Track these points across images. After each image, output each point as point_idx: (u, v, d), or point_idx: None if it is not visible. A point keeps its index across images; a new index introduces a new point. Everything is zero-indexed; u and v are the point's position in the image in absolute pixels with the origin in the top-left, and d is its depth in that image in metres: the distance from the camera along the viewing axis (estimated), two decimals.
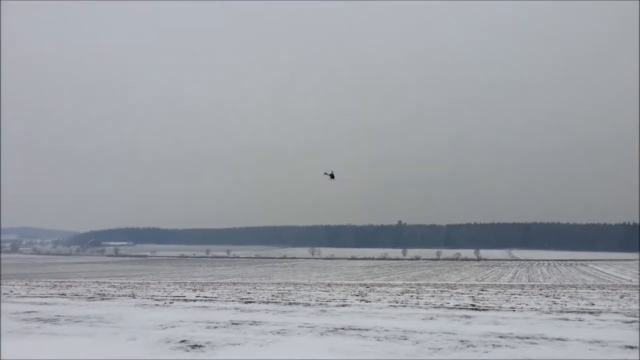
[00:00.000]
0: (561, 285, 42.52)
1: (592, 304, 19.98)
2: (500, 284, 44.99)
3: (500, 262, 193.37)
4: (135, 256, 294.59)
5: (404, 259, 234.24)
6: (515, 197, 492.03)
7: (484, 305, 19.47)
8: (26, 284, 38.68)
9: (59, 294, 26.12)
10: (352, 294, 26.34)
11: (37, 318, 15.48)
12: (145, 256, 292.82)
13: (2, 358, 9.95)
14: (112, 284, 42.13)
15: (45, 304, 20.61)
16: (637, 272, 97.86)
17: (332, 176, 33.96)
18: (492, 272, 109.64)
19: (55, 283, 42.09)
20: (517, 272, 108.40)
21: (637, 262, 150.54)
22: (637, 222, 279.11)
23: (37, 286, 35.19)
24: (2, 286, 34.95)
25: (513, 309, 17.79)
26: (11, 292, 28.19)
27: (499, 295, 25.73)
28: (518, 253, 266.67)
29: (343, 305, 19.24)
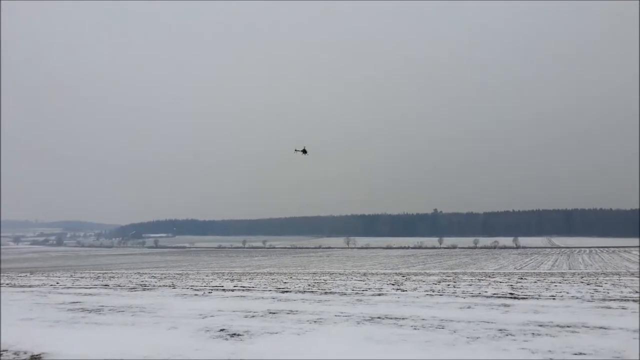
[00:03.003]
0: (603, 273, 41.45)
1: (636, 292, 19.40)
2: (540, 272, 44.14)
3: (539, 249, 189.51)
4: (175, 247, 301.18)
5: (440, 248, 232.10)
6: (555, 183, 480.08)
7: (523, 293, 19.16)
8: (71, 276, 40.05)
9: (103, 285, 26.95)
10: (388, 283, 26.31)
11: (82, 308, 16.03)
12: (184, 247, 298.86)
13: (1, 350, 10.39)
14: (153, 274, 43.21)
15: (90, 294, 21.32)
16: None
17: (304, 151, 33.71)
18: (531, 260, 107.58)
19: (99, 274, 43.44)
20: (557, 259, 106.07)
21: None
22: None
23: (82, 278, 36.40)
24: (19, 278, 36.28)
25: (553, 297, 17.45)
26: (57, 283, 29.23)
27: (539, 283, 25.27)
28: (558, 240, 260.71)
29: (379, 295, 19.24)
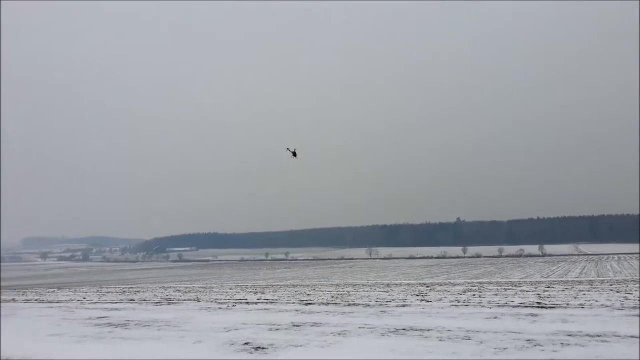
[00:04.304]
0: (633, 280, 40.40)
1: None
2: (568, 280, 43.28)
3: (566, 257, 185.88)
4: (198, 261, 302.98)
5: (464, 257, 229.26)
6: (580, 189, 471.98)
7: (551, 302, 18.80)
8: (98, 291, 40.56)
9: (128, 300, 27.23)
10: (412, 293, 26.06)
11: (108, 323, 16.22)
12: (207, 260, 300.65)
13: (2, 358, 10.57)
14: (177, 288, 43.51)
15: (116, 309, 21.55)
16: None
17: (294, 154, 33.27)
18: (558, 268, 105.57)
19: (124, 289, 43.90)
20: (585, 267, 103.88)
21: None
22: None
23: (108, 292, 36.84)
24: (47, 293, 36.80)
25: (582, 306, 17.08)
26: (84, 298, 29.63)
27: (567, 291, 24.76)
28: (585, 247, 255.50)
29: (403, 306, 19.08)
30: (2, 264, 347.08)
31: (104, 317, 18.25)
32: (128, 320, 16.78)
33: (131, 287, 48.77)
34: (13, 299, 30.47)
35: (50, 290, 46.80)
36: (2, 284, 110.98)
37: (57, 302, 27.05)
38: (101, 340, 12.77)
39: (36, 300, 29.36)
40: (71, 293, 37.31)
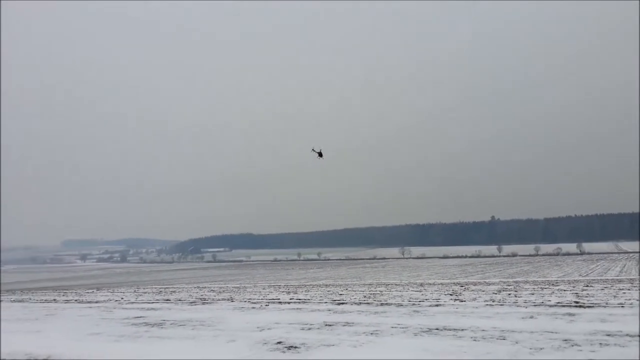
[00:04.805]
0: None
1: None
2: (607, 279, 42.06)
3: (605, 255, 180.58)
4: (232, 261, 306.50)
5: (499, 256, 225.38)
6: (621, 185, 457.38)
7: (589, 301, 18.32)
8: (135, 291, 41.46)
9: (164, 300, 27.76)
10: (446, 293, 25.78)
11: (145, 323, 16.56)
12: (241, 261, 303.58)
13: (2, 358, 10.84)
14: (212, 288, 44.10)
15: (152, 309, 22.00)
16: None
17: (320, 154, 32.90)
18: (597, 266, 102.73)
19: (160, 289, 44.76)
20: (625, 265, 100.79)
21: None
22: None
23: (145, 293, 37.62)
24: (87, 294, 37.69)
25: (622, 305, 16.60)
26: (122, 299, 30.33)
27: (606, 290, 24.09)
28: (626, 245, 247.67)
29: (437, 305, 18.89)
30: (43, 265, 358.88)
31: (140, 317, 18.65)
32: (164, 320, 17.11)
33: (167, 288, 49.66)
34: (54, 300, 31.42)
35: (90, 291, 48.07)
36: (45, 284, 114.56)
37: (96, 302, 27.77)
38: (138, 339, 13.06)
39: (76, 300, 30.21)
40: (109, 293, 38.25)
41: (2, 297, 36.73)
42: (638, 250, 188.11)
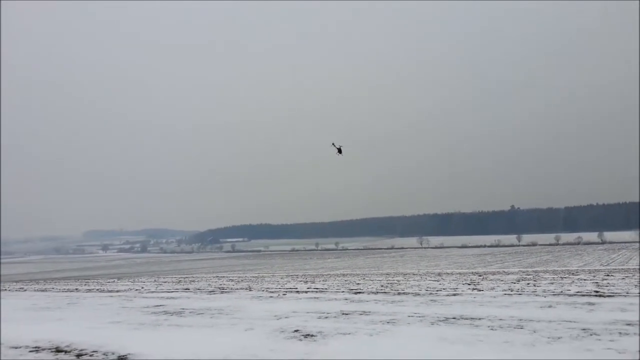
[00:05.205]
0: None
1: None
2: (628, 268, 41.44)
3: (628, 244, 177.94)
4: (250, 251, 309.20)
5: (519, 246, 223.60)
6: None
7: (610, 291, 18.09)
8: (155, 280, 42.03)
9: (184, 289, 28.10)
10: (464, 282, 25.66)
11: (164, 311, 16.79)
12: (259, 251, 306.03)
13: (24, 345, 11.02)
14: (231, 278, 44.54)
15: (172, 298, 22.29)
16: None
17: (339, 151, 32.46)
18: (618, 255, 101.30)
19: (180, 279, 45.32)
20: None
21: None
22: None
23: (165, 282, 38.12)
24: (108, 284, 38.22)
25: None
26: (142, 288, 30.78)
27: (627, 280, 23.74)
28: None
29: (454, 295, 18.82)
30: (66, 255, 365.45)
31: (160, 305, 18.91)
32: (183, 309, 17.33)
33: (186, 277, 50.27)
34: (76, 289, 32.02)
35: (111, 280, 48.88)
36: (68, 274, 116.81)
37: (117, 291, 28.23)
38: (157, 327, 13.25)
39: (97, 289, 30.75)
40: (130, 283, 38.86)
41: (26, 287, 37.54)
42: None
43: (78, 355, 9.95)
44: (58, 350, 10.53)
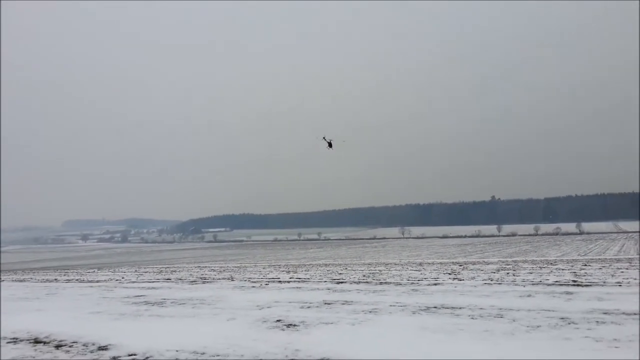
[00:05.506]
0: None
1: None
2: (605, 259, 42.29)
3: (605, 235, 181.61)
4: (232, 241, 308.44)
5: (499, 236, 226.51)
6: (620, 164, 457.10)
7: (587, 280, 18.43)
8: (136, 271, 41.73)
9: (165, 279, 27.94)
10: (445, 272, 25.93)
11: (145, 301, 16.68)
12: (242, 241, 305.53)
13: (2, 336, 10.93)
14: (212, 268, 44.39)
15: (153, 288, 22.15)
16: None
17: (330, 145, 32.66)
18: (596, 246, 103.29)
19: (161, 269, 45.06)
20: (624, 245, 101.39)
21: None
22: None
23: (145, 272, 37.87)
24: (88, 274, 37.90)
25: (619, 284, 16.70)
26: (123, 278, 30.53)
27: (604, 270, 24.22)
28: (626, 225, 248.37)
29: (435, 284, 19.01)
30: (45, 245, 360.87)
31: (141, 295, 18.78)
32: (164, 299, 17.22)
33: (168, 267, 50.01)
34: (55, 279, 31.64)
35: (91, 270, 48.40)
36: (47, 264, 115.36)
37: (97, 281, 27.97)
38: (138, 317, 13.15)
39: (77, 280, 30.41)
40: (110, 273, 38.50)
41: (3, 277, 36.97)
42: (638, 230, 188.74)
43: (57, 346, 9.83)
44: (37, 341, 10.39)
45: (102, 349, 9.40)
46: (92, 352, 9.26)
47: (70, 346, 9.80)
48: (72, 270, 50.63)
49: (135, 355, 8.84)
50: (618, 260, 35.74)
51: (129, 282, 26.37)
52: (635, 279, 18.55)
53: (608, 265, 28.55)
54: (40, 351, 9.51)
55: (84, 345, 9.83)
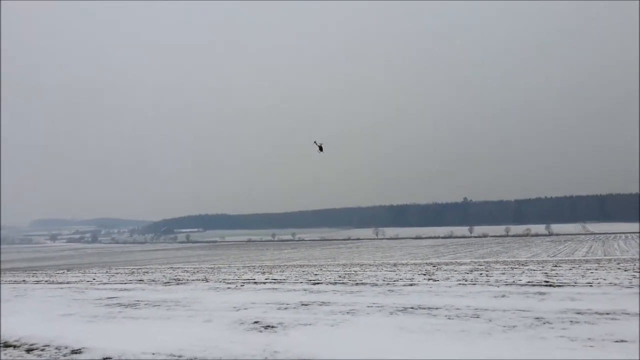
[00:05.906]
0: None
1: None
2: (575, 259, 43.25)
3: (573, 236, 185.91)
4: (206, 242, 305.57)
5: (470, 237, 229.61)
6: (588, 168, 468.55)
7: (559, 281, 18.78)
8: (107, 272, 40.96)
9: (137, 280, 27.48)
10: (419, 273, 26.13)
11: (118, 303, 16.36)
12: (215, 242, 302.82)
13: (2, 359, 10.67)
14: (186, 269, 43.87)
15: (125, 289, 21.74)
16: None
17: (320, 148, 33.06)
18: (565, 247, 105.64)
19: (133, 270, 44.33)
20: (592, 246, 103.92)
21: None
22: None
23: (117, 273, 37.20)
24: (57, 275, 37.15)
25: (590, 284, 17.06)
26: (94, 279, 29.93)
27: (574, 270, 24.74)
28: (593, 227, 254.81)
29: (411, 285, 19.12)
30: (12, 245, 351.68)
31: (114, 297, 18.42)
32: (138, 301, 16.92)
33: (140, 268, 49.23)
34: (24, 280, 30.85)
35: (60, 271, 47.34)
36: (14, 265, 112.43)
37: (67, 283, 27.35)
38: (112, 320, 12.88)
39: (46, 281, 29.70)
40: (81, 274, 37.72)
41: None
42: (622, 232, 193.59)
43: (28, 350, 9.55)
44: (6, 345, 10.08)
45: (75, 353, 9.17)
46: (64, 355, 9.04)
47: (42, 350, 9.53)
48: (41, 271, 49.44)
49: (110, 358, 8.65)
50: (587, 261, 36.57)
51: (101, 284, 25.85)
52: (604, 279, 18.98)
53: (578, 266, 29.18)
54: (11, 355, 9.23)
55: (56, 348, 9.57)
